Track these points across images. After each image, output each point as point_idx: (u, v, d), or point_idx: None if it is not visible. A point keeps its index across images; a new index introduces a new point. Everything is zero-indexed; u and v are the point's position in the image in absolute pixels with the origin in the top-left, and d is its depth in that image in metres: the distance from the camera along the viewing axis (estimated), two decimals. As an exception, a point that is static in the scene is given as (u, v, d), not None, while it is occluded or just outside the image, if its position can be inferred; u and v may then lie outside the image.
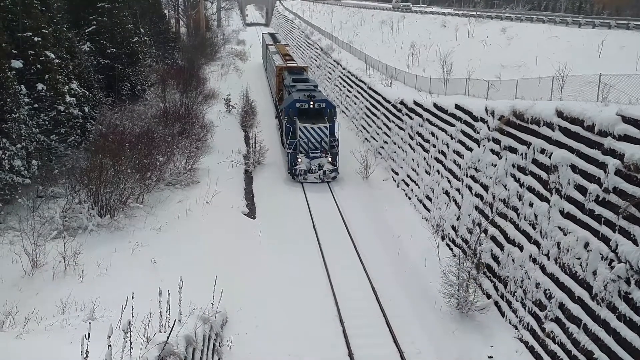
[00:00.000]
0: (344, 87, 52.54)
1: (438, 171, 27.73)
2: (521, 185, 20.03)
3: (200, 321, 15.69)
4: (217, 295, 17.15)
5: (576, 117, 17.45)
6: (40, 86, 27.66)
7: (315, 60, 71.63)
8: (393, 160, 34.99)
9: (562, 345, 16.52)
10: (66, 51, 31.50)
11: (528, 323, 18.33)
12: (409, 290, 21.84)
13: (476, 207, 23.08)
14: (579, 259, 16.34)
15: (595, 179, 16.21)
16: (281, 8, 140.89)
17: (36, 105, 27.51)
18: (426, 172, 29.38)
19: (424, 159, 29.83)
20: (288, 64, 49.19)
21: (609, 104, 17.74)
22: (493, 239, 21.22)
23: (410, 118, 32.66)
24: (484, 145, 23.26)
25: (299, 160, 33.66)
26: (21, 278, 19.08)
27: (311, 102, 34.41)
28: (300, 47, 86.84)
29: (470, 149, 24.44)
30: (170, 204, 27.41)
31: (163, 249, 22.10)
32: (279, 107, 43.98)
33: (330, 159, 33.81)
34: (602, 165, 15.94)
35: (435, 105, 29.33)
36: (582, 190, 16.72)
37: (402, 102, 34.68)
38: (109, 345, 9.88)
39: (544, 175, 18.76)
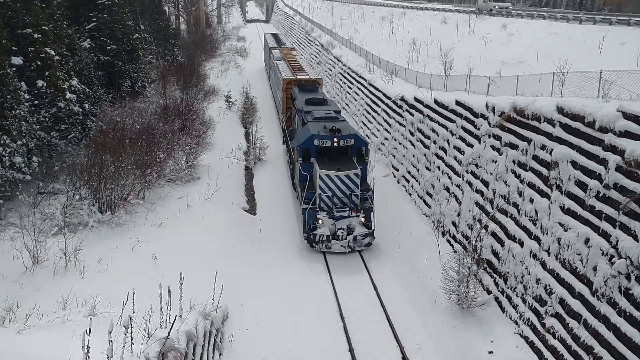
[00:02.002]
0: (345, 83, 52.50)
1: (438, 167, 27.73)
2: (522, 182, 20.03)
3: (201, 317, 15.72)
4: (217, 291, 17.19)
5: (577, 113, 17.44)
6: (40, 83, 27.66)
7: (316, 56, 71.55)
8: (393, 156, 34.98)
9: (562, 341, 16.55)
10: (66, 48, 31.48)
11: (528, 318, 18.35)
12: (410, 286, 21.87)
13: (477, 203, 23.09)
14: (580, 254, 16.35)
15: (595, 175, 16.21)
16: (281, 4, 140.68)
17: (36, 102, 27.52)
18: (427, 168, 29.38)
19: (425, 155, 29.83)
20: (297, 76, 41.69)
21: (610, 100, 17.75)
22: (493, 234, 21.24)
23: (411, 114, 32.63)
24: (484, 142, 23.25)
25: (320, 221, 24.07)
26: (22, 274, 19.12)
27: (335, 139, 25.51)
28: (301, 43, 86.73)
29: (471, 145, 24.43)
30: (170, 200, 27.43)
31: (164, 245, 22.14)
32: (287, 135, 36.20)
33: (363, 219, 24.39)
34: (603, 162, 15.94)
35: (435, 101, 29.31)
36: (582, 186, 16.72)
37: (402, 99, 34.64)
38: (110, 341, 9.91)
39: (544, 171, 18.76)
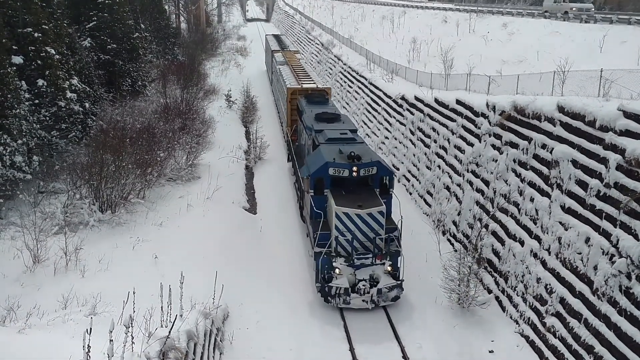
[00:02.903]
0: (345, 82, 52.47)
1: (439, 166, 27.72)
2: (522, 181, 20.02)
3: (201, 316, 15.72)
4: (218, 290, 17.18)
5: (577, 112, 17.43)
6: (40, 82, 27.67)
7: (316, 55, 71.54)
8: (394, 155, 34.96)
9: (562, 340, 16.55)
10: (67, 47, 31.49)
11: (529, 318, 18.36)
12: (410, 285, 21.85)
13: (477, 202, 23.08)
14: (580, 253, 16.35)
15: (596, 174, 16.20)
16: (282, 3, 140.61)
17: (37, 101, 27.54)
18: (427, 167, 29.37)
19: (425, 154, 29.81)
20: (303, 85, 37.34)
21: (610, 99, 17.74)
22: (494, 234, 21.23)
23: (411, 113, 32.61)
24: (485, 141, 23.24)
25: (337, 270, 19.71)
26: (23, 273, 19.13)
27: (354, 169, 20.94)
28: (301, 42, 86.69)
29: (471, 144, 24.42)
30: (171, 199, 27.43)
31: (164, 244, 22.14)
32: (293, 151, 32.48)
33: (389, 267, 20.05)
34: (603, 161, 15.94)
35: (436, 100, 29.29)
36: (583, 185, 16.72)
37: (403, 98, 34.62)
38: (111, 340, 9.90)
39: (545, 170, 18.75)
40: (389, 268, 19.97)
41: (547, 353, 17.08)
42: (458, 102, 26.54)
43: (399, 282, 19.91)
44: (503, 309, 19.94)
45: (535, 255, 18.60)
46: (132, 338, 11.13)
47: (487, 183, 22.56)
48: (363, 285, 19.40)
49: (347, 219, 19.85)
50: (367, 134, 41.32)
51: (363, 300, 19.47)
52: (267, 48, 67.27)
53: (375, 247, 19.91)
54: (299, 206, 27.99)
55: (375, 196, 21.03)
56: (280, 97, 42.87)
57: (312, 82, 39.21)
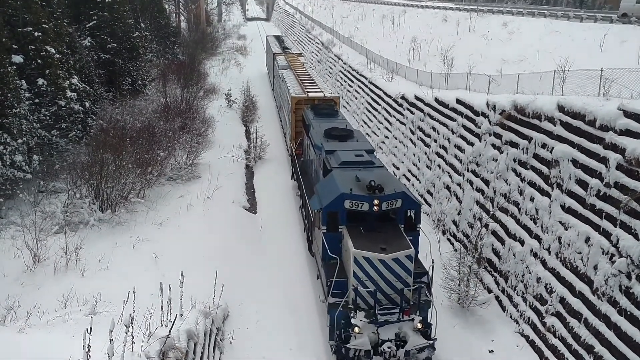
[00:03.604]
0: (345, 82, 52.47)
1: (439, 166, 27.72)
2: (522, 180, 20.02)
3: (201, 315, 15.73)
4: (218, 289, 17.20)
5: (577, 111, 17.43)
6: (40, 81, 27.66)
7: (316, 55, 71.52)
8: (394, 155, 34.96)
9: (562, 340, 16.56)
10: (67, 46, 31.47)
11: (529, 317, 18.36)
12: (410, 284, 21.85)
13: (477, 202, 23.08)
14: (580, 253, 16.35)
15: (596, 173, 16.20)
16: (282, 2, 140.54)
17: (37, 101, 27.54)
18: (427, 166, 29.36)
19: (425, 153, 29.81)
20: (309, 93, 34.09)
21: (611, 99, 17.72)
22: (494, 233, 21.23)
23: (412, 113, 32.61)
24: (485, 140, 23.23)
25: (356, 328, 16.20)
26: (23, 273, 19.12)
27: (375, 202, 17.60)
28: (302, 42, 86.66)
29: (472, 144, 24.41)
30: (171, 198, 27.43)
31: (164, 243, 22.13)
32: (298, 168, 29.57)
33: (419, 323, 16.47)
34: (604, 160, 15.93)
35: (436, 99, 29.28)
36: (583, 184, 16.71)
37: (403, 97, 34.62)
38: (111, 340, 9.92)
39: (545, 169, 18.75)
40: (419, 325, 16.30)
41: (547, 353, 17.09)
42: (458, 101, 26.53)
43: (430, 341, 16.30)
44: (503, 308, 19.95)
45: (535, 255, 18.60)
46: (132, 337, 11.15)
47: (487, 182, 22.55)
48: (388, 348, 15.83)
49: (368, 265, 16.42)
50: (367, 134, 41.30)
51: None
52: (268, 50, 64.57)
53: (403, 300, 16.37)
54: (306, 237, 24.45)
55: (400, 235, 17.58)
56: (284, 105, 39.56)
57: (318, 89, 35.92)
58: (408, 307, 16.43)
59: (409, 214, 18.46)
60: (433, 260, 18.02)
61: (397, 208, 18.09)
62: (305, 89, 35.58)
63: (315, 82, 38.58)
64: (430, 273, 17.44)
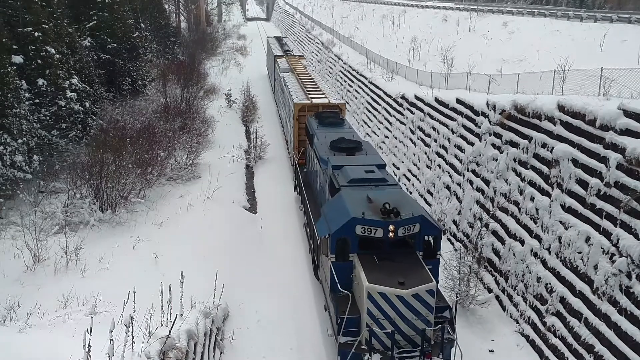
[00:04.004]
0: (345, 81, 52.46)
1: (439, 165, 27.72)
2: (522, 180, 20.01)
3: (201, 315, 15.74)
4: (218, 289, 17.20)
5: (578, 111, 17.42)
6: (41, 81, 27.66)
7: (316, 54, 71.52)
8: (394, 154, 34.96)
9: (563, 339, 16.55)
10: (67, 46, 31.47)
11: (529, 317, 18.36)
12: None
13: (477, 202, 23.08)
14: (580, 253, 16.35)
15: (596, 173, 16.19)
16: (282, 2, 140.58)
17: (37, 101, 27.54)
18: (427, 166, 29.36)
19: (425, 153, 29.81)
20: (313, 99, 32.23)
21: (611, 98, 17.74)
22: (494, 233, 21.23)
23: (412, 112, 32.61)
24: (485, 140, 23.23)
25: None
26: (23, 273, 19.13)
27: (391, 227, 15.72)
28: (302, 41, 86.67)
29: (472, 144, 24.41)
30: (171, 198, 27.43)
31: (164, 243, 22.14)
32: (301, 179, 27.50)
33: None
34: (604, 160, 15.93)
35: (436, 99, 29.28)
36: (583, 184, 16.71)
37: (403, 97, 34.62)
38: (111, 340, 9.92)
39: (545, 169, 18.74)
40: None
41: (547, 352, 17.08)
42: (458, 101, 26.53)
43: None
44: (503, 308, 19.94)
45: (535, 255, 18.60)
46: (133, 337, 11.15)
47: (487, 182, 22.55)
48: None
49: (383, 301, 14.52)
50: (367, 134, 41.32)
51: None
52: (268, 51, 62.95)
53: (424, 341, 14.46)
54: (311, 259, 22.09)
55: (419, 265, 15.69)
56: (285, 112, 37.61)
57: (322, 95, 33.77)
58: (430, 349, 14.49)
59: (427, 238, 16.54)
60: (457, 294, 16.98)
61: (414, 233, 16.17)
62: (309, 94, 33.69)
63: (318, 87, 36.72)
64: (453, 306, 15.61)
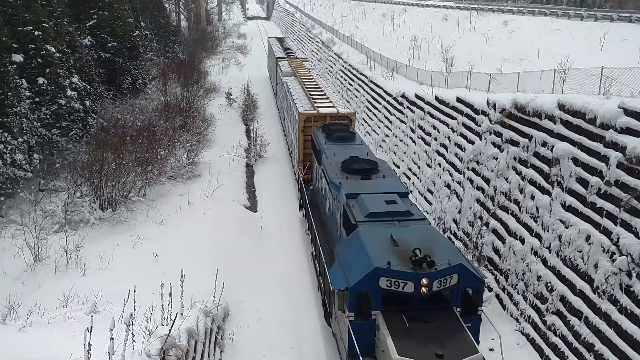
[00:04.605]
0: (345, 80, 52.45)
1: (439, 164, 27.71)
2: (523, 178, 20.01)
3: (202, 314, 15.74)
4: (218, 288, 17.19)
5: (578, 110, 17.42)
6: (41, 80, 27.65)
7: (317, 53, 71.50)
8: (394, 153, 34.95)
9: (563, 338, 16.56)
10: (67, 45, 31.46)
11: (529, 316, 18.36)
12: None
13: (477, 200, 23.07)
14: (581, 251, 16.35)
15: (597, 171, 16.20)
16: (282, 1, 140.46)
17: (37, 99, 27.54)
18: (427, 165, 29.36)
19: (426, 152, 29.81)
20: (320, 109, 29.55)
21: (611, 97, 17.74)
22: (494, 232, 21.23)
23: (412, 111, 32.60)
24: (485, 138, 23.23)
25: None
26: (24, 271, 19.12)
27: (424, 281, 12.90)
28: (302, 40, 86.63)
29: (472, 142, 24.41)
30: (171, 197, 27.43)
31: (165, 242, 22.12)
32: (306, 198, 24.80)
33: None
34: (604, 158, 15.93)
35: (436, 98, 29.27)
36: (583, 183, 16.71)
37: (403, 96, 34.61)
38: (112, 338, 9.91)
39: (545, 168, 18.74)
40: None
41: (547, 351, 17.09)
42: (458, 100, 26.52)
43: None
44: (503, 307, 19.94)
45: (535, 253, 18.60)
46: (133, 336, 11.15)
47: (487, 181, 22.55)
48: None
49: None
50: (367, 132, 41.32)
51: None
52: (269, 53, 60.98)
53: None
54: (322, 303, 18.64)
55: (458, 326, 12.89)
56: (289, 120, 35.17)
57: (329, 103, 31.12)
58: None
59: (466, 290, 13.64)
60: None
61: (452, 285, 13.27)
62: (315, 103, 31.15)
63: (324, 94, 33.91)
64: None
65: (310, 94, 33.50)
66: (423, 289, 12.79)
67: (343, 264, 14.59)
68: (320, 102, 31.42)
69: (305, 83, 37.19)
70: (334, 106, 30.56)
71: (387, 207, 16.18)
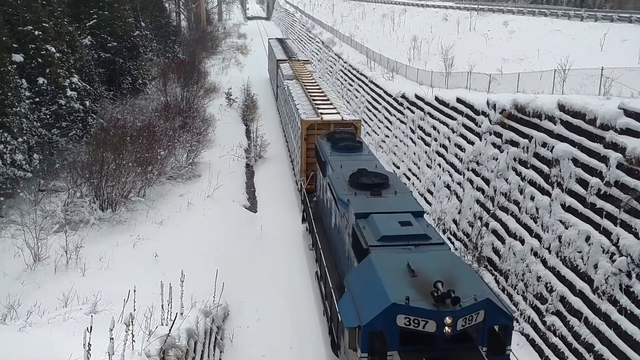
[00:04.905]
0: (345, 80, 52.45)
1: (439, 165, 27.72)
2: (522, 179, 20.01)
3: (201, 314, 15.74)
4: (218, 288, 17.20)
5: (578, 110, 17.43)
6: (41, 80, 27.67)
7: (317, 53, 71.51)
8: (394, 154, 34.95)
9: (563, 338, 16.56)
10: (67, 45, 31.47)
11: (529, 316, 18.36)
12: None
13: (477, 201, 23.08)
14: (580, 252, 16.35)
15: (596, 172, 16.20)
16: (282, 1, 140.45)
17: (37, 99, 27.55)
18: (427, 165, 29.36)
19: (426, 152, 29.81)
20: (324, 116, 28.17)
21: (611, 98, 17.74)
22: (494, 232, 21.23)
23: (412, 112, 32.60)
24: (485, 139, 23.23)
25: None
26: (23, 271, 19.13)
27: (447, 320, 11.19)
28: (302, 41, 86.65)
29: (472, 143, 24.41)
30: (171, 197, 27.43)
31: (164, 242, 22.13)
32: (310, 210, 23.62)
33: None
34: (604, 159, 15.93)
35: (436, 98, 29.27)
36: (583, 183, 16.71)
37: (403, 96, 34.61)
38: (111, 338, 9.92)
39: (545, 168, 18.75)
40: None
41: (547, 351, 17.09)
42: (459, 100, 26.52)
43: None
44: (503, 307, 19.93)
45: (535, 254, 18.60)
46: (133, 336, 11.15)
47: (487, 181, 22.55)
48: None
49: None
50: (367, 133, 41.33)
51: None
52: (270, 54, 59.70)
53: None
54: (328, 331, 17.18)
55: None
56: (290, 126, 33.92)
57: (333, 109, 29.70)
58: None
59: (496, 334, 12.28)
60: None
61: (477, 323, 11.77)
62: (318, 109, 29.69)
63: (328, 99, 32.47)
64: None
65: (313, 99, 32.02)
66: (446, 328, 11.19)
67: (355, 296, 12.85)
68: (323, 108, 29.94)
69: (308, 87, 35.61)
70: (338, 113, 29.15)
71: (402, 229, 14.47)
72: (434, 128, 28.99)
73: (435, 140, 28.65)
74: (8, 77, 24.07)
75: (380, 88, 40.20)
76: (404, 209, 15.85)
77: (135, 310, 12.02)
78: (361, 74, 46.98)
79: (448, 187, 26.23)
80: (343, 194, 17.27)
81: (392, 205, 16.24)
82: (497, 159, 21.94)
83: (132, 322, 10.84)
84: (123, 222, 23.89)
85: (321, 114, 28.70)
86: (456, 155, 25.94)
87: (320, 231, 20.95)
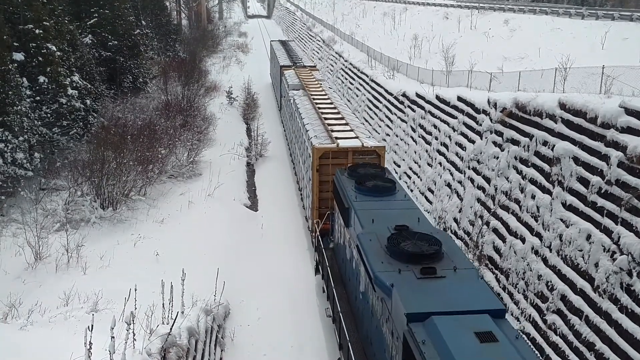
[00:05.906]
0: (346, 79, 52.43)
1: (440, 163, 27.71)
2: (523, 178, 20.00)
3: (202, 313, 15.76)
4: (219, 287, 17.21)
5: (579, 109, 17.41)
6: (42, 79, 27.68)
7: (317, 52, 71.48)
8: (395, 152, 34.95)
9: (563, 337, 16.56)
10: (68, 44, 31.48)
11: (530, 315, 18.36)
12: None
13: (478, 199, 23.07)
14: (581, 250, 16.35)
15: (597, 171, 16.18)
16: (282, 0, 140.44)
17: (38, 98, 27.57)
18: (428, 164, 29.36)
19: (426, 151, 29.80)
20: (340, 142, 22.43)
21: (612, 96, 17.72)
22: (495, 231, 21.23)
23: (413, 110, 32.58)
24: (486, 138, 23.22)
25: None
26: (24, 270, 19.14)
27: None
28: (303, 39, 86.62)
29: (473, 141, 24.40)
30: (172, 196, 27.45)
31: (165, 241, 22.13)
32: (326, 259, 18.78)
33: None
34: (605, 157, 15.92)
35: (437, 97, 29.25)
36: (584, 182, 16.70)
37: (404, 95, 34.59)
38: (112, 337, 9.94)
39: (546, 167, 18.74)
40: None
41: (548, 350, 17.09)
42: (459, 99, 26.50)
43: None
44: (504, 306, 19.93)
45: (536, 253, 18.60)
46: (134, 335, 11.17)
47: (488, 180, 22.54)
48: None
49: None
50: (368, 132, 41.25)
51: None
52: (272, 58, 55.63)
53: None
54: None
55: None
56: (298, 147, 29.26)
57: (349, 131, 24.14)
58: None
59: None
60: None
61: None
62: (332, 131, 23.86)
63: (342, 117, 26.75)
64: None
65: (325, 119, 26.07)
66: None
67: None
68: (338, 130, 24.12)
69: (318, 102, 29.86)
70: (357, 137, 23.20)
71: (482, 348, 8.84)
72: (435, 127, 28.98)
73: (436, 138, 28.64)
74: (9, 75, 24.09)
75: (381, 86, 40.18)
76: (476, 303, 10.29)
77: (136, 309, 12.02)
78: (362, 73, 46.95)
79: (449, 185, 26.23)
80: (381, 270, 11.63)
81: (456, 294, 10.63)
82: (497, 158, 21.93)
83: (133, 320, 10.86)
84: (124, 221, 23.91)
85: (336, 138, 22.91)
86: (457, 154, 25.93)
87: (335, 281, 16.80)
